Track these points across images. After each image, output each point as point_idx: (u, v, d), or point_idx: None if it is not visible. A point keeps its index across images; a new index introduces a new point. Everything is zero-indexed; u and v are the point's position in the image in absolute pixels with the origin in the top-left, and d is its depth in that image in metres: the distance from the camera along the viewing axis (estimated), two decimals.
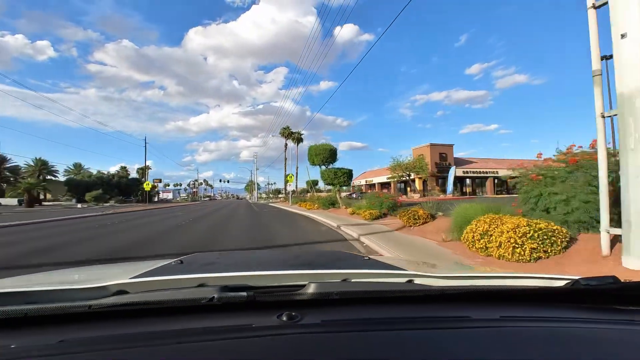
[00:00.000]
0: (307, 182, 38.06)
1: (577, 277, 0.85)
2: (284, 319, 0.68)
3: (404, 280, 0.98)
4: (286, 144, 52.14)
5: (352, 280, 0.93)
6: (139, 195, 66.22)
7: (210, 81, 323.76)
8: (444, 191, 35.80)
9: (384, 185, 51.53)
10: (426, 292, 0.85)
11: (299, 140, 50.09)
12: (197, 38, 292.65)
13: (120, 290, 0.80)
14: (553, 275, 0.97)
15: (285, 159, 51.88)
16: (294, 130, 50.50)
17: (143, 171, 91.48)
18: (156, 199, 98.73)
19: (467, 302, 0.84)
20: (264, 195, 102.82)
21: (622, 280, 0.80)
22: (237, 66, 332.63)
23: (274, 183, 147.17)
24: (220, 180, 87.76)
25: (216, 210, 24.13)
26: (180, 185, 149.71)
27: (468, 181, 43.05)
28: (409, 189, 44.31)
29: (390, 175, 44.18)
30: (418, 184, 38.18)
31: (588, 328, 0.70)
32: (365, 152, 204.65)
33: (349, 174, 18.18)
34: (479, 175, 43.17)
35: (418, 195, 34.43)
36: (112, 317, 0.70)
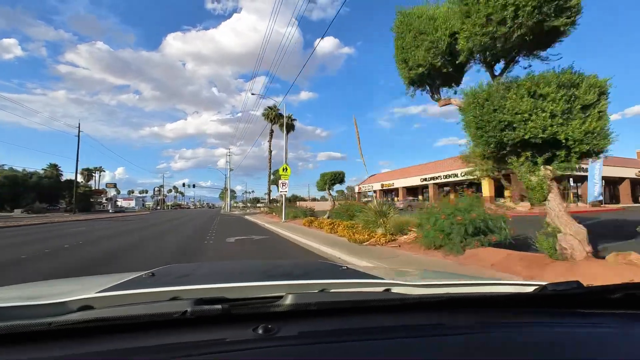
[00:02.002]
0: (325, 178, 17.85)
1: (544, 283, 0.88)
2: (260, 331, 0.66)
3: (381, 289, 0.97)
4: (272, 131, 37.30)
5: (331, 291, 0.93)
6: (73, 201, 49.97)
7: (188, 87, 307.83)
8: (571, 197, 21.79)
9: (411, 190, 37.78)
10: (403, 300, 0.85)
11: (289, 127, 36.12)
12: (175, 43, 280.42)
13: (86, 306, 0.75)
14: (523, 281, 1.05)
15: (270, 151, 37.34)
16: (281, 112, 36.13)
17: (89, 173, 73.97)
18: (109, 208, 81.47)
19: (443, 309, 0.84)
20: (240, 205, 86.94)
21: (585, 285, 0.84)
22: (217, 73, 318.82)
23: (252, 191, 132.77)
24: (184, 184, 71.37)
25: (126, 233, 10.35)
26: (147, 192, 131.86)
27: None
28: (464, 192, 31.07)
29: (435, 174, 30.92)
30: (488, 187, 24.40)
31: (556, 332, 0.72)
32: (343, 162, 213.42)
33: None
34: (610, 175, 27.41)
35: (527, 205, 20.21)
36: (77, 335, 0.65)
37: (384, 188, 41.55)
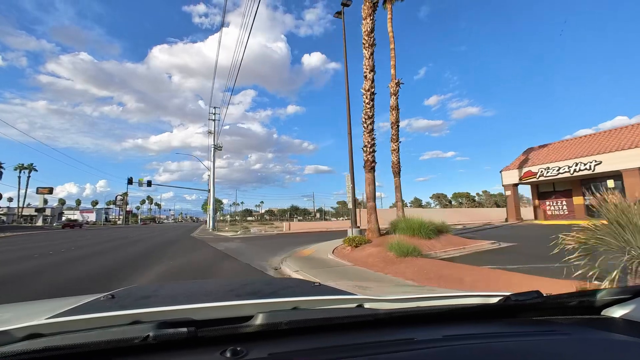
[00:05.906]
0: None
1: (508, 294, 0.93)
2: (228, 355, 0.63)
3: (353, 305, 0.96)
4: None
5: (302, 308, 0.90)
6: None
7: (173, 100, 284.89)
8: None
9: None
10: (374, 316, 0.85)
11: None
12: (161, 55, 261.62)
13: (33, 334, 0.67)
14: (488, 292, 1.02)
15: (373, 44, 10.69)
16: None
17: None
18: (50, 222, 58.53)
19: (413, 323, 0.86)
20: (227, 218, 64.57)
21: (543, 295, 0.89)
22: (203, 86, 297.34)
23: (242, 202, 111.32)
24: (130, 181, 46.40)
25: None
26: (114, 203, 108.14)
27: None
28: None
29: None
30: None
31: (518, 341, 0.76)
32: (331, 175, 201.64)
33: None
34: None
35: None
36: None
37: (597, 176, 19.53)
